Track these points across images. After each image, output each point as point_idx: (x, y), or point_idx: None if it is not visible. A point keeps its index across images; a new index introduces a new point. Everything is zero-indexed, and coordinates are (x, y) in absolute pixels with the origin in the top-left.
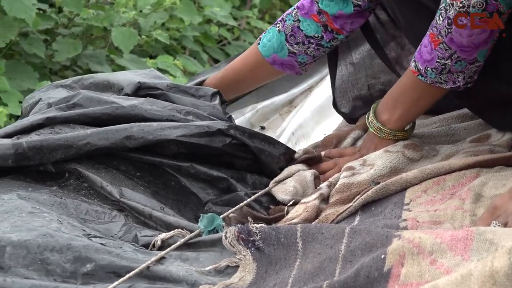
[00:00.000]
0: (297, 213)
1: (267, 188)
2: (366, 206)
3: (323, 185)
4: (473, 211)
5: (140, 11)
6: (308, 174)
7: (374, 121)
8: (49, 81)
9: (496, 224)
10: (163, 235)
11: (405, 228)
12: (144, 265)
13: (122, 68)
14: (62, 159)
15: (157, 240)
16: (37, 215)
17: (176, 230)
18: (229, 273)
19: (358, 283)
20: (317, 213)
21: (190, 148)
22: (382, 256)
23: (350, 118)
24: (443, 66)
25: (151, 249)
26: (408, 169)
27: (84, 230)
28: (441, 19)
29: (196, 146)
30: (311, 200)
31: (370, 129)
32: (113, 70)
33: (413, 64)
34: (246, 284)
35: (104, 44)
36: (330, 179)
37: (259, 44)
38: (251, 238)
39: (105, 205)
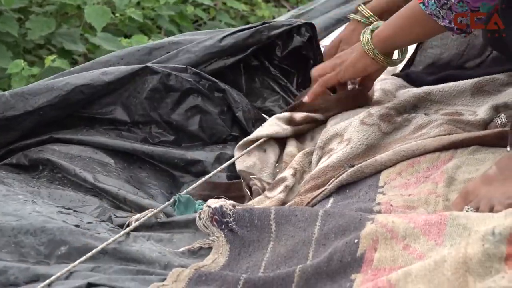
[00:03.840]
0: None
1: (238, 144)
2: (340, 188)
3: (288, 175)
4: (446, 196)
5: None
6: (272, 157)
7: (368, 33)
8: (22, 59)
9: (468, 209)
10: (137, 215)
11: (379, 212)
12: (106, 243)
13: (96, 47)
14: (46, 103)
15: (132, 221)
16: (11, 197)
17: (149, 210)
18: (202, 255)
19: (331, 268)
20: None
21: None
22: (356, 241)
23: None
24: (446, 1)
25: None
26: (381, 144)
27: (59, 206)
28: None
29: None
30: (276, 194)
31: (361, 37)
32: (87, 49)
33: None
34: (219, 266)
35: (79, 22)
36: (295, 166)
37: None
38: (225, 220)
39: (79, 191)
